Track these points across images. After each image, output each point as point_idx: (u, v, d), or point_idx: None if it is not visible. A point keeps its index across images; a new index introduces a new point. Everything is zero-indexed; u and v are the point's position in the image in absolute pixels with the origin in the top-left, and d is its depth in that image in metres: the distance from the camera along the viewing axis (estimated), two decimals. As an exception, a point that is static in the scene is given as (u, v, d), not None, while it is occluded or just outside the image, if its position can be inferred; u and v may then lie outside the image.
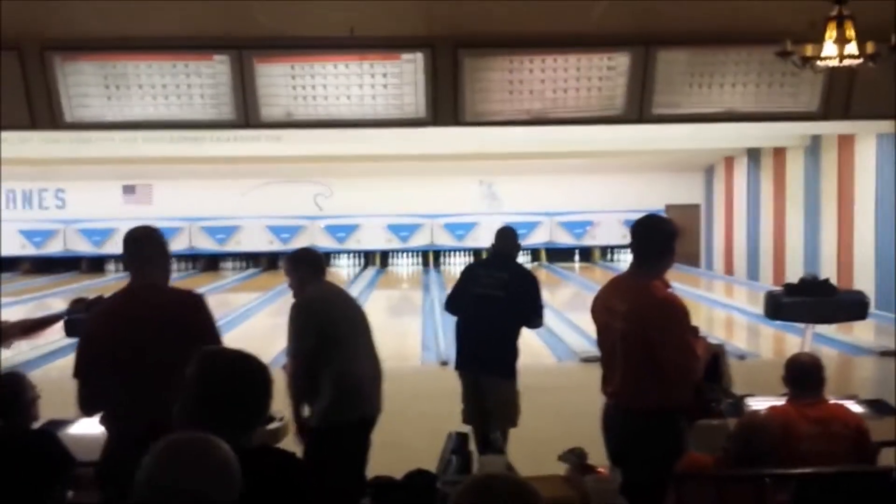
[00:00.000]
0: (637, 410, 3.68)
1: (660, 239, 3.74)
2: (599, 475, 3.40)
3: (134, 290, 3.40)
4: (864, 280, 13.37)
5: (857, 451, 3.70)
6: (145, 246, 3.45)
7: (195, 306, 3.39)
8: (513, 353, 5.59)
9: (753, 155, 18.37)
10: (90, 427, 3.91)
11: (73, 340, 3.85)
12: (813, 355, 4.12)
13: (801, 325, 6.16)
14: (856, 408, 4.43)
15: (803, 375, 3.87)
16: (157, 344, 3.21)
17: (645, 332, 3.60)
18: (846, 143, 14.25)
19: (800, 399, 3.82)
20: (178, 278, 20.51)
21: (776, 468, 3.34)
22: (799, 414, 3.74)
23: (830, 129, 12.55)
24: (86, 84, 7.77)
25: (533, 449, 5.27)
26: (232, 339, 12.46)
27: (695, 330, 3.81)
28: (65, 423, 4.41)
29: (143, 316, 3.26)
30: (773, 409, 3.88)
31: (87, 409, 3.39)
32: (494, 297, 5.52)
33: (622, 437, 3.76)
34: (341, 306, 4.72)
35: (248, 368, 2.35)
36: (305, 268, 4.69)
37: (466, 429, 5.31)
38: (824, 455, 3.59)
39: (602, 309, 3.87)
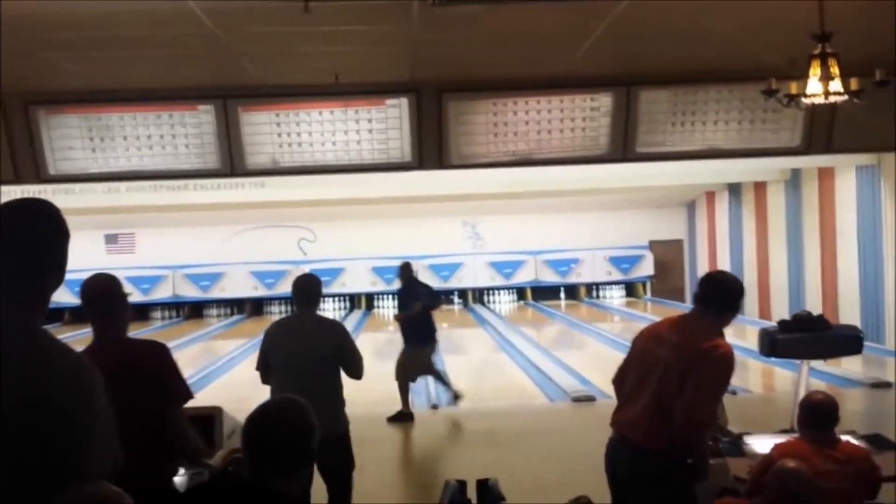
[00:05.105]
0: (649, 449, 3.59)
1: (729, 296, 3.75)
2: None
3: (98, 346, 3.31)
4: (850, 311, 13.43)
5: (868, 489, 3.70)
6: (104, 297, 3.36)
7: (160, 357, 3.35)
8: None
9: (734, 189, 18.52)
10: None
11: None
12: (827, 394, 4.10)
13: (796, 361, 6.15)
14: (856, 443, 4.40)
15: (819, 415, 3.86)
16: (124, 398, 3.15)
17: (688, 368, 3.54)
18: (826, 175, 14.39)
19: (815, 438, 3.81)
20: (163, 327, 20.32)
21: None
22: (816, 452, 3.73)
23: (810, 162, 12.68)
24: (70, 136, 7.76)
25: (530, 495, 5.21)
26: (218, 386, 12.33)
27: None
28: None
29: (111, 372, 3.20)
30: (789, 446, 3.84)
31: None
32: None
33: (629, 476, 3.68)
34: (285, 335, 5.04)
35: (282, 413, 2.38)
36: (295, 296, 5.15)
37: (464, 476, 5.24)
38: (842, 493, 3.59)
39: (649, 335, 3.80)
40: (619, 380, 3.90)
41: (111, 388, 3.08)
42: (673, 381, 3.55)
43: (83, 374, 1.99)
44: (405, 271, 9.46)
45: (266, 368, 4.99)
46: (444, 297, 9.14)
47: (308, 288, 5.11)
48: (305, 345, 4.92)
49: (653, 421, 3.58)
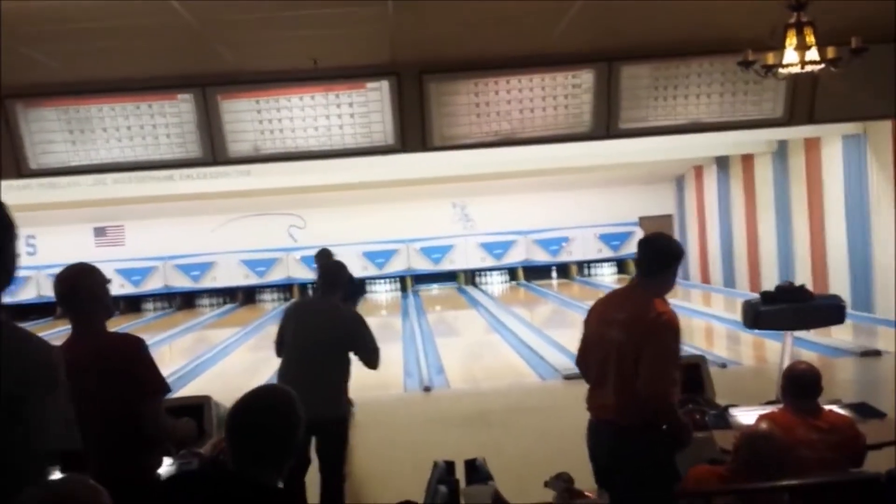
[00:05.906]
0: (625, 427, 3.63)
1: (666, 257, 3.76)
2: (587, 500, 3.36)
3: (74, 340, 3.26)
4: (839, 281, 13.46)
5: (852, 458, 3.73)
6: (70, 291, 3.27)
7: (134, 351, 3.29)
8: None
9: (722, 163, 18.50)
10: None
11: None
12: (810, 364, 4.13)
13: (781, 332, 6.17)
14: (840, 412, 4.42)
15: (802, 385, 3.88)
16: (99, 392, 3.13)
17: (639, 343, 3.57)
18: (813, 146, 14.38)
19: (798, 407, 3.83)
20: (155, 318, 20.31)
21: (781, 476, 3.33)
22: (800, 421, 3.75)
23: (797, 133, 12.67)
24: (49, 130, 7.70)
25: (519, 473, 5.24)
26: (212, 375, 12.31)
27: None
28: None
29: (84, 366, 3.16)
30: (773, 416, 3.86)
31: None
32: None
33: (609, 456, 3.71)
34: (299, 317, 5.28)
35: (266, 402, 2.34)
36: (319, 281, 5.42)
37: (452, 457, 5.27)
38: (825, 462, 3.61)
39: (598, 318, 3.83)
40: (582, 362, 3.94)
41: (86, 381, 3.07)
42: (629, 358, 3.59)
43: (36, 353, 1.97)
44: (326, 260, 8.90)
45: (282, 343, 5.23)
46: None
47: (330, 274, 5.36)
48: (314, 328, 5.10)
49: (622, 400, 3.62)
